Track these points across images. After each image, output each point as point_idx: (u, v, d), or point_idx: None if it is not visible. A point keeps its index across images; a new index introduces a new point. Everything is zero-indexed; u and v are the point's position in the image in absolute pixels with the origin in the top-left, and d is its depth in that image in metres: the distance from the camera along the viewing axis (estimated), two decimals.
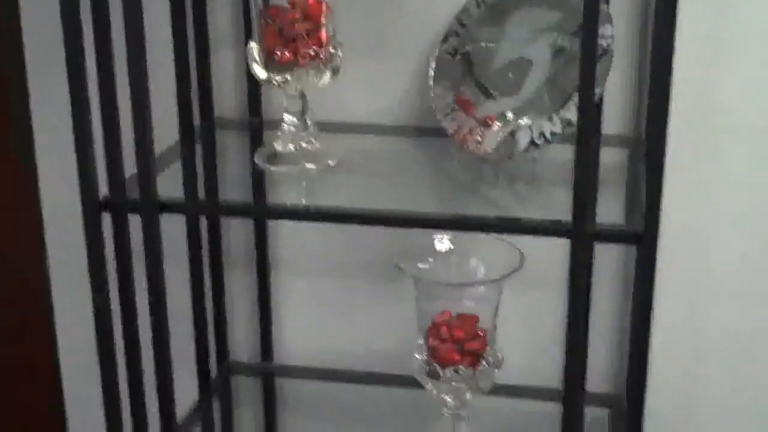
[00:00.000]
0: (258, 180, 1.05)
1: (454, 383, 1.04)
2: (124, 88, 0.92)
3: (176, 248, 1.12)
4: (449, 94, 1.03)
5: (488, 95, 1.05)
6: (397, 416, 1.22)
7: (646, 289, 0.89)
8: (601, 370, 1.22)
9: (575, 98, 0.85)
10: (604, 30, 1.00)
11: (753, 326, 1.18)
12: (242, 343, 1.30)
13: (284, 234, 1.24)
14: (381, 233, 1.05)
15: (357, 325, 1.26)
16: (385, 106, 1.16)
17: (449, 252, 1.05)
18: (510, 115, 1.05)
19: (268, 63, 0.99)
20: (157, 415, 1.04)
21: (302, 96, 1.02)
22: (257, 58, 1.00)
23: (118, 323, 1.01)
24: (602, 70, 1.02)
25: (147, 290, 0.98)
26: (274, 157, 1.03)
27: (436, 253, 1.05)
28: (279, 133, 1.03)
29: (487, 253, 1.03)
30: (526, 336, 1.20)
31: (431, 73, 1.02)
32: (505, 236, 0.98)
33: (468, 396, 1.06)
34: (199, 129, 1.14)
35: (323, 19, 0.99)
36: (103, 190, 0.96)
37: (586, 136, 0.84)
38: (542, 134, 1.04)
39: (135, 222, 0.97)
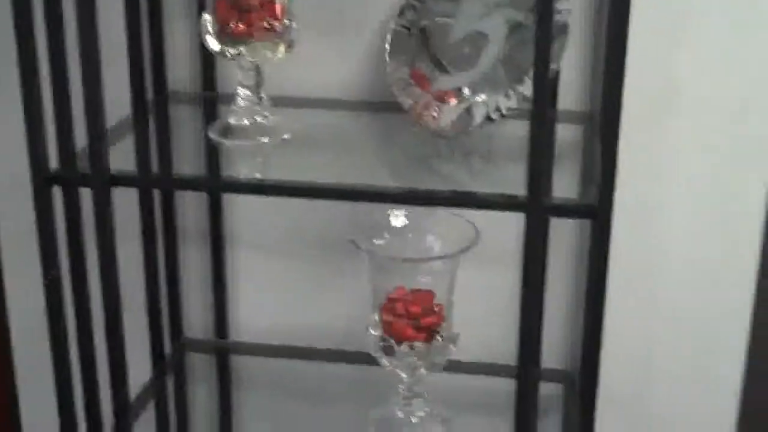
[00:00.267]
0: (212, 154, 1.04)
1: (409, 359, 1.04)
2: (75, 59, 0.90)
3: (129, 224, 1.10)
4: (405, 69, 1.03)
5: (444, 70, 1.05)
6: (352, 393, 1.22)
7: (601, 264, 0.89)
8: (556, 346, 1.23)
9: (531, 73, 0.85)
10: (560, 5, 1.00)
11: (707, 300, 1.19)
12: (196, 320, 1.29)
13: (239, 210, 1.23)
14: (336, 209, 1.04)
15: (312, 301, 1.26)
16: (341, 80, 1.15)
17: (404, 228, 1.05)
18: (466, 90, 1.05)
19: (222, 35, 0.98)
20: (110, 393, 1.02)
21: (257, 69, 1.01)
22: (211, 30, 0.98)
23: (70, 299, 1.00)
24: (558, 45, 1.02)
25: (99, 266, 0.97)
26: (228, 131, 1.02)
27: (391, 229, 1.04)
28: (233, 107, 1.02)
29: (443, 229, 1.03)
30: (482, 312, 1.21)
31: (387, 47, 1.02)
32: (460, 212, 0.98)
33: (423, 372, 1.06)
34: (152, 102, 1.12)
35: None
36: (54, 164, 0.95)
37: (541, 109, 0.84)
38: (498, 109, 1.03)
39: (86, 197, 0.95)
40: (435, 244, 1.04)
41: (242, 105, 1.02)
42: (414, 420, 1.08)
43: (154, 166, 1.01)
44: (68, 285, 0.99)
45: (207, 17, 0.99)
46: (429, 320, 1.03)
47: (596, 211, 0.87)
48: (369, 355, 1.05)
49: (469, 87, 1.05)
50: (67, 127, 0.93)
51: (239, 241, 1.25)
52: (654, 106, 1.12)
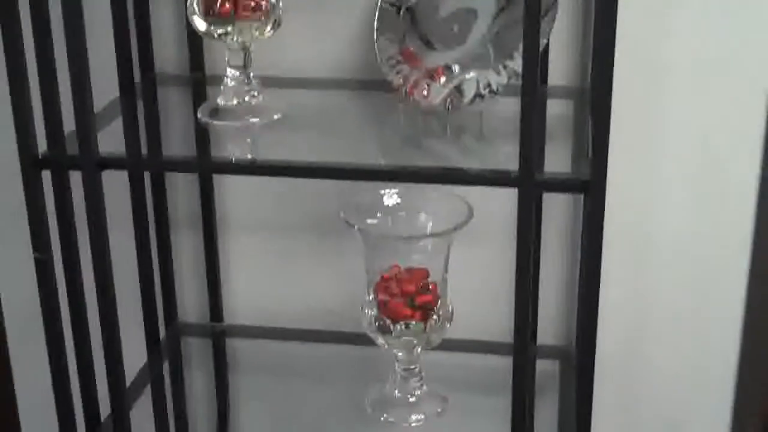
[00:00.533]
0: (202, 135, 1.03)
1: (404, 338, 1.04)
2: (61, 42, 0.89)
3: (120, 209, 1.10)
4: (394, 47, 1.02)
5: (432, 47, 1.04)
6: (348, 373, 1.22)
7: (595, 239, 0.89)
8: (551, 323, 1.23)
9: (521, 49, 0.84)
10: None
11: (701, 276, 1.19)
12: (191, 304, 1.29)
13: (231, 192, 1.23)
14: (329, 189, 1.04)
15: (306, 282, 1.26)
16: (330, 59, 1.14)
17: (397, 206, 1.04)
18: (456, 67, 1.04)
19: (209, 15, 0.97)
20: (106, 378, 1.02)
21: (245, 49, 1.00)
22: (197, 10, 0.98)
23: (63, 285, 1.00)
24: (548, 20, 1.01)
25: (91, 251, 0.97)
26: (217, 112, 1.02)
27: (384, 208, 1.04)
28: (222, 88, 1.01)
29: (436, 207, 1.03)
30: (476, 290, 1.20)
31: (375, 25, 1.01)
32: (453, 189, 0.97)
33: (419, 350, 1.06)
34: (139, 85, 1.11)
35: None
36: (42, 147, 0.94)
37: (532, 83, 0.83)
38: (488, 85, 1.03)
39: (76, 183, 0.95)
40: (428, 223, 1.04)
41: (231, 85, 1.01)
42: (411, 399, 1.08)
43: (144, 150, 1.01)
44: (60, 270, 0.99)
45: None
46: (424, 299, 1.03)
47: (589, 185, 0.86)
48: (364, 335, 1.05)
49: (458, 64, 1.04)
50: (55, 111, 0.93)
51: (231, 224, 1.24)
52: (644, 79, 1.11)
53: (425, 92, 1.03)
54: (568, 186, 0.91)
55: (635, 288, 1.21)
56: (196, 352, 1.30)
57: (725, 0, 1.07)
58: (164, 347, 1.24)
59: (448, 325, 1.05)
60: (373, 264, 1.04)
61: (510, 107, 1.00)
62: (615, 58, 0.83)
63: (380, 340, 1.05)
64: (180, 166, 1.04)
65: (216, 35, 0.98)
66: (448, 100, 1.02)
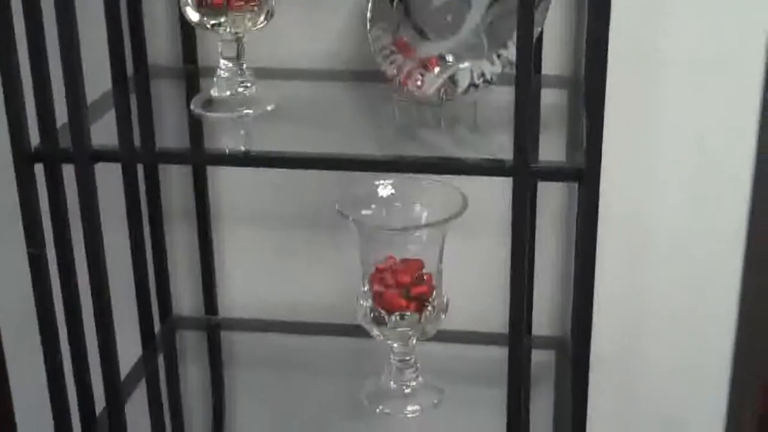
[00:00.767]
0: (195, 127, 1.03)
1: (400, 329, 1.03)
2: (53, 35, 0.89)
3: (114, 204, 1.10)
4: (387, 37, 1.02)
5: (426, 37, 1.03)
6: (344, 366, 1.22)
7: (590, 228, 0.89)
8: (547, 313, 1.23)
9: (515, 38, 0.84)
10: None
11: (696, 265, 1.19)
12: (185, 298, 1.29)
13: (224, 184, 1.22)
14: (323, 180, 1.04)
15: (301, 274, 1.25)
16: (323, 50, 1.14)
17: (392, 197, 1.04)
18: (450, 57, 1.04)
19: (201, 6, 0.97)
20: (101, 373, 1.02)
21: (238, 40, 0.99)
22: (190, 1, 0.97)
23: (56, 279, 0.99)
24: (541, 9, 1.01)
25: (84, 244, 0.96)
26: (210, 104, 1.01)
27: (378, 199, 1.04)
28: (215, 79, 1.01)
29: (430, 198, 1.03)
30: (471, 281, 1.20)
31: (368, 15, 1.01)
32: (448, 180, 0.97)
33: (414, 341, 1.06)
34: (132, 77, 1.11)
35: None
36: (35, 141, 0.94)
37: (526, 70, 0.83)
38: (482, 75, 1.02)
39: (69, 178, 0.95)
40: (423, 214, 1.03)
41: (224, 77, 1.01)
42: (407, 390, 1.08)
43: (137, 143, 1.00)
44: (54, 265, 0.98)
45: None
46: (419, 290, 1.03)
47: (584, 174, 0.86)
48: (360, 327, 1.05)
49: (452, 54, 1.04)
50: (47, 103, 0.92)
51: (225, 217, 1.24)
52: (639, 68, 1.11)
53: (419, 82, 1.02)
54: (562, 175, 0.91)
55: (630, 282, 1.21)
56: (192, 346, 1.29)
57: None
58: (159, 341, 1.24)
59: (443, 316, 1.05)
60: (368, 255, 1.03)
61: (504, 97, 1.00)
62: (609, 48, 0.83)
63: (375, 332, 1.04)
64: (173, 157, 1.03)
65: (209, 26, 0.98)
66: (442, 90, 1.02)
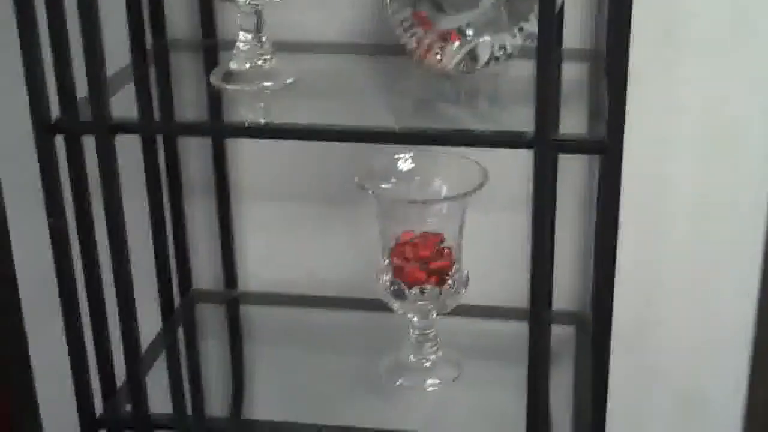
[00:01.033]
0: (214, 100, 1.02)
1: (419, 303, 1.03)
2: (73, 7, 0.88)
3: (133, 178, 1.10)
4: (406, 10, 1.01)
5: (443, 11, 1.03)
6: (363, 339, 1.22)
7: (612, 201, 0.88)
8: (567, 288, 1.22)
9: (536, 10, 0.83)
10: None
11: (717, 237, 1.18)
12: (205, 271, 1.29)
13: (244, 158, 1.22)
14: (343, 154, 1.03)
15: (321, 248, 1.25)
16: (342, 23, 1.13)
17: (412, 171, 1.04)
18: (470, 31, 1.03)
19: None
20: (121, 346, 1.02)
21: (257, 13, 0.99)
22: None
23: (77, 253, 0.99)
24: None
25: (105, 217, 0.96)
26: (229, 77, 1.01)
27: (398, 173, 1.04)
28: (234, 52, 1.01)
29: (451, 172, 1.02)
30: (492, 255, 1.20)
31: None
32: (468, 153, 0.97)
33: (434, 315, 1.05)
34: (151, 50, 1.11)
35: None
36: (55, 113, 0.94)
37: (547, 41, 0.82)
38: (503, 47, 1.02)
39: (89, 151, 0.95)
40: (443, 187, 1.03)
41: (243, 49, 1.00)
42: (426, 364, 1.08)
43: (156, 116, 1.00)
44: (75, 238, 0.99)
45: None
46: (439, 263, 1.03)
47: (606, 146, 0.86)
48: (379, 301, 1.05)
49: (472, 27, 1.03)
50: (68, 76, 0.92)
51: (245, 191, 1.24)
52: (660, 39, 1.10)
53: (439, 56, 1.02)
54: (584, 147, 0.90)
55: (650, 254, 1.20)
56: (211, 320, 1.30)
57: None
58: (179, 314, 1.24)
59: (464, 291, 1.05)
60: (387, 229, 1.03)
61: (524, 71, 0.99)
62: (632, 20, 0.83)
63: (395, 306, 1.04)
64: (193, 129, 1.03)
65: None
66: (462, 63, 1.01)
